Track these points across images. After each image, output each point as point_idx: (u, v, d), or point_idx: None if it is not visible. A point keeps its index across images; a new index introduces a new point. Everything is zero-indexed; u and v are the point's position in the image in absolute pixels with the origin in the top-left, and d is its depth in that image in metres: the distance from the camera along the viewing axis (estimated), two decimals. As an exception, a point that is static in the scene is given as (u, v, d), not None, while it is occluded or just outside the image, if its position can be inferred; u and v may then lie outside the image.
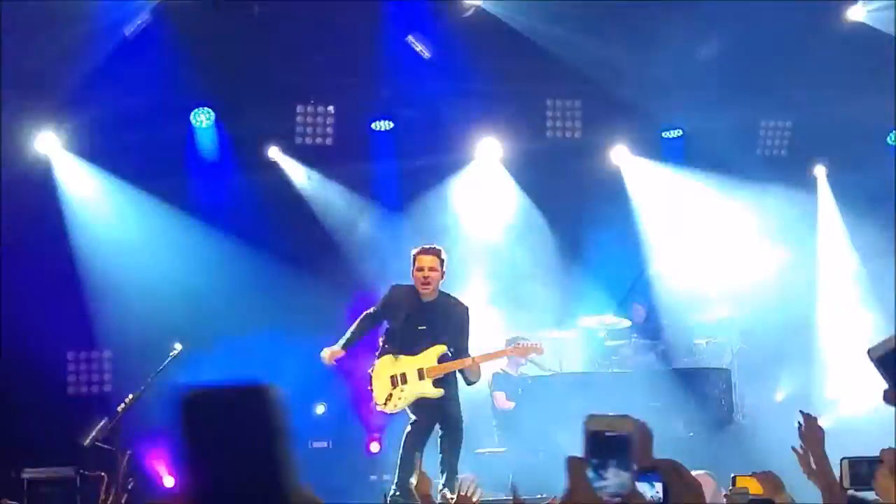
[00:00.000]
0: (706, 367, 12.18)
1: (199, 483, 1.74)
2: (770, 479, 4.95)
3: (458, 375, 9.44)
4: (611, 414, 1.90)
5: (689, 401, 10.86)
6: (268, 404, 1.82)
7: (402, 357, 9.30)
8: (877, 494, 4.10)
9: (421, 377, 9.24)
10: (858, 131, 13.70)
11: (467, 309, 9.56)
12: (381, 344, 9.55)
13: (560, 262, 13.43)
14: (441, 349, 9.28)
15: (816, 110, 13.57)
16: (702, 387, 11.49)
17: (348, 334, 9.44)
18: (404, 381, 9.27)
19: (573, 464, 1.87)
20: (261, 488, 1.76)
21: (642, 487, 2.12)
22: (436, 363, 9.27)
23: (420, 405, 9.32)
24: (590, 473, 1.83)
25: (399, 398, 9.26)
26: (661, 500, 2.08)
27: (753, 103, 13.59)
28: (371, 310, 9.57)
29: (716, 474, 8.67)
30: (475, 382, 9.57)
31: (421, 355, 9.27)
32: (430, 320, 9.33)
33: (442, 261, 9.35)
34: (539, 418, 11.06)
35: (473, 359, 9.38)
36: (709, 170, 13.98)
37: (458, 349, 9.37)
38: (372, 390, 9.42)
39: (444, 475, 9.08)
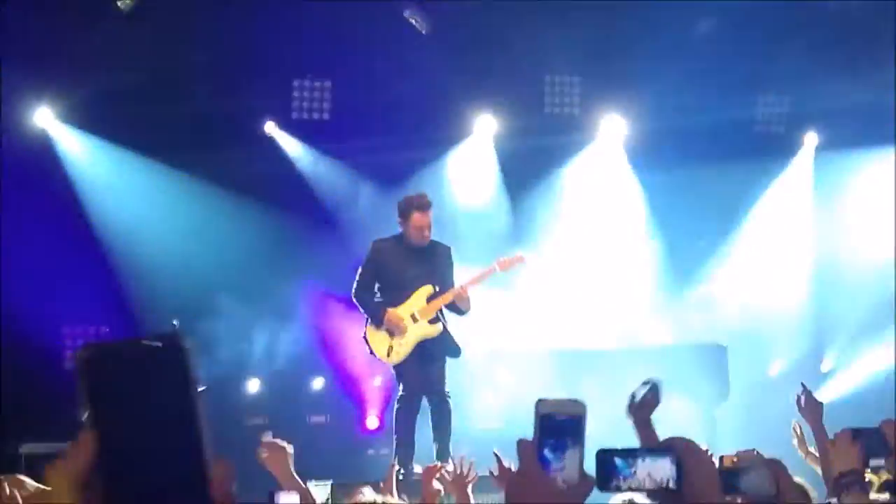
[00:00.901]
0: (701, 343, 12.20)
1: (108, 454, 1.63)
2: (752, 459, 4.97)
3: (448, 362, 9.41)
4: (562, 398, 1.89)
5: (683, 377, 10.86)
6: (177, 359, 1.64)
7: (388, 309, 9.27)
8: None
9: (415, 320, 9.24)
10: (857, 108, 13.71)
11: (450, 248, 9.58)
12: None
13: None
14: (428, 289, 9.27)
15: (815, 87, 13.56)
16: (697, 363, 11.51)
17: (369, 307, 9.38)
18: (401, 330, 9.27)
19: (523, 446, 1.86)
20: (174, 457, 1.64)
21: (653, 465, 2.10)
22: (426, 303, 9.26)
23: (406, 375, 9.29)
24: (548, 454, 1.82)
25: (400, 345, 9.23)
26: (676, 479, 2.06)
27: (751, 80, 13.58)
28: (362, 278, 9.46)
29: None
30: (466, 312, 9.46)
31: (409, 301, 9.26)
32: (419, 263, 9.32)
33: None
34: (537, 395, 11.08)
35: (461, 286, 9.36)
36: (705, 146, 14.05)
37: (446, 287, 9.37)
38: (371, 349, 9.37)
39: (438, 452, 9.09)
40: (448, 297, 9.29)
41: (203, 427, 1.62)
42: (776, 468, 3.48)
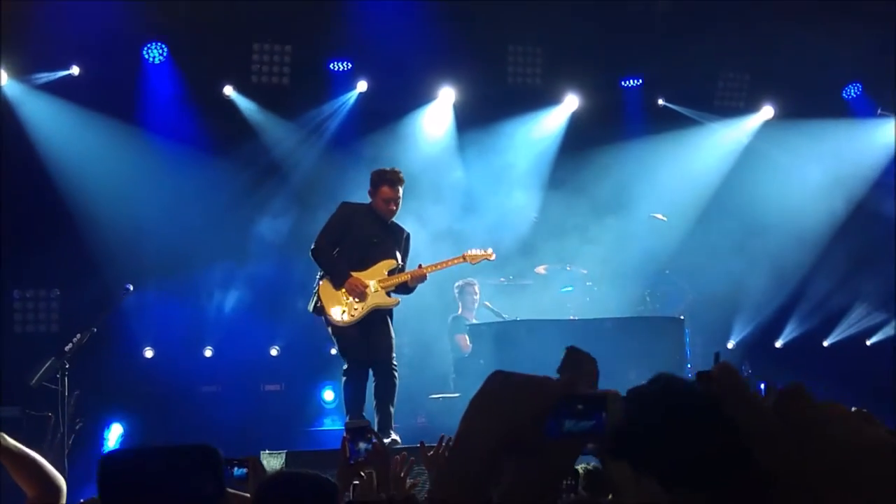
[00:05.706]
0: (659, 316, 12.20)
1: None
2: None
3: (392, 327, 9.35)
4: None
5: (641, 350, 10.82)
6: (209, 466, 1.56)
7: (353, 274, 9.18)
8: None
9: (375, 290, 9.18)
10: (814, 83, 13.81)
11: (409, 234, 9.61)
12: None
13: (519, 210, 13.30)
14: (391, 263, 9.27)
15: (775, 62, 13.62)
16: (654, 336, 11.48)
17: (335, 266, 9.26)
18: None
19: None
20: None
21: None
22: (385, 275, 9.23)
23: (352, 343, 9.17)
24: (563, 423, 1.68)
25: (355, 308, 9.14)
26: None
27: (713, 53, 13.59)
28: (329, 235, 9.32)
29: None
30: (411, 292, 9.45)
31: (371, 269, 9.20)
32: (384, 234, 9.29)
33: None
34: (493, 364, 11.05)
35: (421, 266, 9.35)
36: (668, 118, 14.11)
37: (404, 266, 9.37)
38: (321, 305, 9.20)
39: (378, 424, 9.00)
40: (410, 275, 9.25)
41: None
42: None
